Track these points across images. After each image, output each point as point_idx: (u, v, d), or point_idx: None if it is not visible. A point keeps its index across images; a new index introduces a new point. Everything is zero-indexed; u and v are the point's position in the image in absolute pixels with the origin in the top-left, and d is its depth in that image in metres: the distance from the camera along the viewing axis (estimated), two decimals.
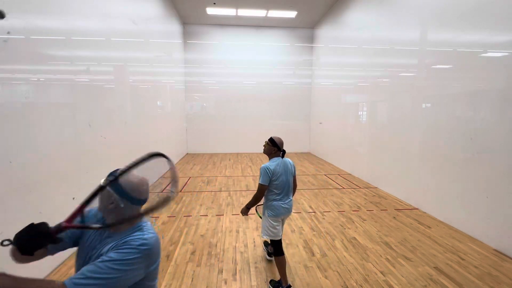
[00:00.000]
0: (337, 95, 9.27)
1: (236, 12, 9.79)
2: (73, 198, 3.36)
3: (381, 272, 3.01)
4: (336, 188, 6.36)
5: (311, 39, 11.65)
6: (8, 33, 2.49)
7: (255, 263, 3.19)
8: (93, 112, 3.98)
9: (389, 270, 3.06)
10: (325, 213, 4.77)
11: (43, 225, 1.02)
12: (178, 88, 10.31)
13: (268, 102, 11.85)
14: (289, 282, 2.75)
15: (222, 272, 3.02)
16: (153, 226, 1.25)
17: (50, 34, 3.10)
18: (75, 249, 1.25)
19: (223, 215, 4.68)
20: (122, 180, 1.14)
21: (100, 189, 1.11)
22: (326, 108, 10.39)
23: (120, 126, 4.92)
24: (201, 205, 5.19)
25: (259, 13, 9.86)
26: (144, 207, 1.20)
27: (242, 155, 11.02)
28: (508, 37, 3.42)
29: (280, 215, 2.70)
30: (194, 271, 3.02)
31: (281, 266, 2.68)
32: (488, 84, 3.70)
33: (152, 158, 1.23)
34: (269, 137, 2.82)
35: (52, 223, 1.10)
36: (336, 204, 5.23)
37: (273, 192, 2.68)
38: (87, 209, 1.13)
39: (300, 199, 5.51)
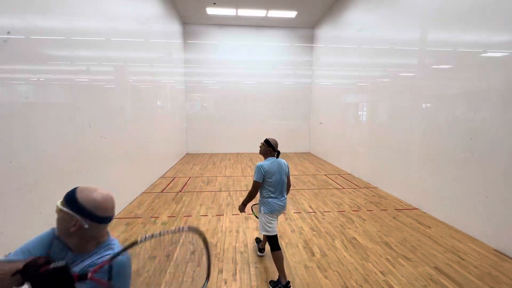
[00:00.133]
0: (337, 95, 9.27)
1: (236, 12, 9.79)
2: None
3: (381, 272, 3.01)
4: (336, 188, 6.36)
5: (311, 39, 11.65)
6: (8, 33, 2.49)
7: (255, 263, 3.19)
8: (93, 112, 3.99)
9: (389, 270, 3.06)
10: (325, 213, 4.77)
11: (68, 269, 0.89)
12: (178, 88, 10.31)
13: (268, 102, 11.85)
14: (288, 279, 2.75)
15: (222, 272, 3.02)
16: (120, 244, 1.17)
17: (50, 34, 3.11)
18: None
19: (223, 215, 4.68)
20: (82, 199, 1.04)
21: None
22: (326, 108, 10.40)
23: (120, 126, 4.92)
24: (201, 205, 5.19)
25: (259, 13, 9.86)
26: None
27: (242, 155, 11.02)
28: (508, 37, 3.42)
29: (275, 211, 2.85)
30: (194, 271, 3.02)
31: (279, 261, 2.75)
32: (488, 84, 3.70)
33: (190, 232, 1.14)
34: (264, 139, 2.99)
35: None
36: (336, 204, 5.23)
37: (268, 190, 2.84)
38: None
39: (300, 199, 5.51)
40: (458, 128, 4.14)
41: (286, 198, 2.94)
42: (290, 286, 2.67)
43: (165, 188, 6.32)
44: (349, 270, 3.05)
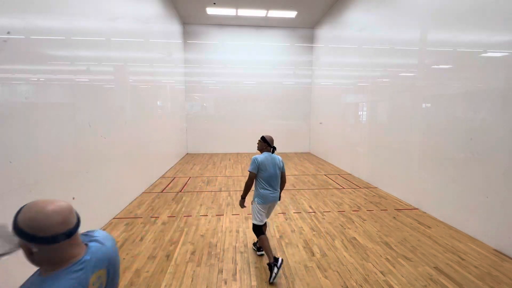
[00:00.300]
0: (337, 95, 9.27)
1: (236, 12, 9.79)
2: (73, 198, 3.37)
3: (381, 272, 3.01)
4: (336, 188, 6.36)
5: (311, 39, 11.65)
6: (8, 33, 2.49)
7: (255, 263, 3.19)
8: (93, 112, 3.99)
9: (389, 270, 3.06)
10: (325, 213, 4.77)
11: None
12: (178, 88, 10.31)
13: (268, 102, 11.85)
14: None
15: (222, 272, 3.02)
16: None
17: (50, 34, 3.11)
18: None
19: (223, 215, 4.68)
20: (21, 220, 0.88)
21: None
22: (326, 108, 10.40)
23: (120, 126, 4.92)
24: (201, 205, 5.19)
25: (259, 13, 9.86)
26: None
27: (242, 155, 11.02)
28: (508, 37, 3.43)
29: (268, 202, 3.13)
30: (194, 271, 3.03)
31: (264, 243, 3.02)
32: (488, 84, 3.70)
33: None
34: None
35: None
36: (336, 204, 5.23)
37: (262, 182, 3.10)
38: None
39: (300, 199, 5.51)
40: (458, 128, 4.15)
41: (278, 191, 3.19)
42: (278, 262, 2.81)
43: (165, 188, 6.32)
44: (349, 270, 3.05)
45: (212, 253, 3.41)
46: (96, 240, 1.09)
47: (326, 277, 2.92)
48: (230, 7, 9.43)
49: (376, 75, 6.68)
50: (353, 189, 6.27)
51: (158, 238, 3.81)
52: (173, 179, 7.17)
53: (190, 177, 7.40)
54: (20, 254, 0.92)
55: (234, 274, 2.97)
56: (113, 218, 4.47)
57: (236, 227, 4.16)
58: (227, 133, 11.79)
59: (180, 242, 3.69)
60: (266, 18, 10.40)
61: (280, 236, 3.87)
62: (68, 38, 3.42)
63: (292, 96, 11.98)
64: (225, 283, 2.83)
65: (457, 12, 4.20)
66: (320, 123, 10.90)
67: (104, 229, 4.00)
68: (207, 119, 11.78)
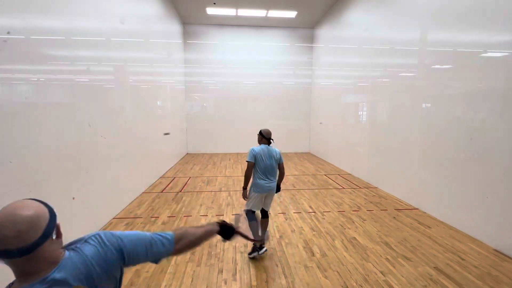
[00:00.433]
0: (337, 95, 9.27)
1: (236, 12, 9.79)
2: (73, 198, 3.37)
3: (381, 272, 3.01)
4: (336, 188, 6.36)
5: (311, 39, 11.65)
6: (8, 33, 2.49)
7: (255, 263, 3.19)
8: (93, 112, 3.98)
9: (389, 270, 3.06)
10: (325, 213, 4.77)
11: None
12: (178, 88, 10.31)
13: (268, 102, 11.85)
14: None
15: (222, 272, 3.02)
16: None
17: (50, 34, 3.11)
18: None
19: (223, 215, 4.68)
20: None
21: None
22: (326, 108, 10.39)
23: (120, 126, 4.92)
24: (201, 205, 5.19)
25: (259, 13, 9.86)
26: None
27: (242, 155, 11.02)
28: (508, 37, 3.42)
29: (263, 192, 3.32)
30: (194, 271, 3.03)
31: (252, 227, 3.11)
32: (488, 84, 3.70)
33: None
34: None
35: None
36: (336, 204, 5.23)
37: (258, 172, 3.32)
38: None
39: (300, 199, 5.51)
40: (458, 128, 4.14)
41: (274, 182, 3.39)
42: (263, 247, 3.26)
43: (165, 188, 6.32)
44: (349, 270, 3.05)
45: (212, 253, 3.41)
46: (74, 249, 0.92)
47: (326, 277, 2.92)
48: (230, 7, 9.42)
49: (376, 75, 6.68)
50: (353, 189, 6.27)
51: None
52: (173, 179, 7.17)
53: (190, 177, 7.40)
54: None
55: (234, 274, 2.97)
56: (113, 218, 4.47)
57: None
58: (227, 133, 11.79)
59: None
60: (266, 18, 10.40)
61: (280, 236, 3.87)
62: (68, 38, 3.42)
63: (292, 96, 11.98)
64: (225, 283, 2.83)
65: (457, 12, 4.20)
66: (320, 123, 10.90)
67: (104, 229, 4.01)
68: (207, 119, 11.78)
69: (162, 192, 6.03)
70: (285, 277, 2.93)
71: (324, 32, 10.39)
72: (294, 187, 6.45)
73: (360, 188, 6.38)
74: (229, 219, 4.48)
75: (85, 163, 3.73)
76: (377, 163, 6.58)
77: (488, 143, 3.67)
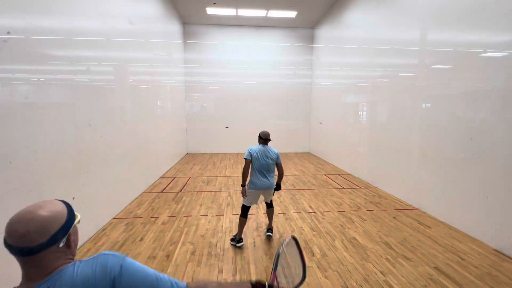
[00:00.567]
0: (337, 95, 9.27)
1: (236, 12, 9.79)
2: (73, 198, 3.37)
3: (381, 272, 3.01)
4: (336, 188, 6.36)
5: (311, 39, 11.65)
6: (8, 33, 2.49)
7: (255, 263, 3.19)
8: (93, 112, 3.98)
9: (389, 270, 3.06)
10: (325, 213, 4.77)
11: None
12: (178, 88, 10.31)
13: (268, 102, 11.85)
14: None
15: (222, 272, 3.02)
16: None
17: (50, 34, 3.10)
18: None
19: (223, 215, 4.68)
20: None
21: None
22: (326, 108, 10.39)
23: (120, 126, 4.92)
24: (201, 205, 5.19)
25: (259, 13, 9.86)
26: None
27: (242, 155, 11.02)
28: (508, 37, 3.42)
29: (258, 189, 3.54)
30: (194, 271, 3.03)
31: (242, 224, 3.55)
32: (488, 84, 3.70)
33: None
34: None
35: None
36: (336, 204, 5.23)
37: (254, 170, 3.54)
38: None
39: (300, 199, 5.51)
40: (458, 128, 4.14)
41: (269, 180, 3.56)
42: (241, 241, 3.53)
43: (165, 188, 6.32)
44: (349, 270, 3.05)
45: (212, 253, 3.41)
46: (75, 264, 0.85)
47: (326, 277, 2.92)
48: (230, 7, 9.43)
49: (376, 75, 6.68)
50: (353, 189, 6.27)
51: (158, 238, 3.80)
52: (173, 179, 7.17)
53: (190, 177, 7.40)
54: None
55: (234, 274, 2.97)
56: (113, 218, 4.47)
57: (236, 227, 4.16)
58: (227, 133, 11.79)
59: (180, 242, 3.69)
60: (266, 18, 10.40)
61: (280, 236, 3.87)
62: (68, 38, 3.42)
63: (292, 96, 11.98)
64: None
65: (457, 12, 4.20)
66: (320, 123, 10.90)
67: (104, 229, 4.02)
68: (207, 119, 11.78)
69: (162, 192, 6.03)
70: (285, 277, 2.92)
71: (324, 32, 10.39)
72: (294, 187, 6.45)
73: (360, 188, 6.38)
74: (229, 219, 4.49)
75: (85, 163, 3.73)
76: (377, 163, 6.58)
77: (488, 143, 3.67)
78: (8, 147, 2.46)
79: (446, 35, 4.45)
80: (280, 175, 3.67)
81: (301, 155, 11.48)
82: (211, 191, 6.09)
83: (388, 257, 3.33)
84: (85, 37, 3.80)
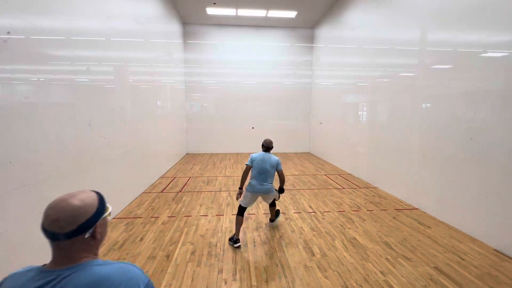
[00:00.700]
0: (337, 95, 9.27)
1: (236, 12, 9.78)
2: None
3: (381, 272, 3.01)
4: (336, 188, 6.36)
5: (311, 39, 11.65)
6: (8, 33, 2.49)
7: (255, 263, 3.19)
8: (93, 112, 3.98)
9: (389, 270, 3.06)
10: (325, 213, 4.77)
11: None
12: (178, 88, 10.31)
13: (268, 102, 11.85)
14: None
15: (222, 272, 3.02)
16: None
17: (50, 34, 3.10)
18: None
19: (223, 215, 4.68)
20: None
21: None
22: (326, 108, 10.39)
23: (120, 126, 4.92)
24: (201, 205, 5.19)
25: (259, 13, 9.86)
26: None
27: (242, 155, 11.02)
28: (508, 37, 3.43)
29: (255, 192, 3.69)
30: (194, 271, 3.03)
31: (238, 224, 3.63)
32: (488, 84, 3.70)
33: None
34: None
35: None
36: (336, 204, 5.23)
37: (253, 174, 3.74)
38: None
39: (300, 199, 5.51)
40: (458, 128, 4.15)
41: (266, 185, 3.70)
42: (238, 242, 3.52)
43: (165, 188, 6.32)
44: (349, 270, 3.05)
45: (212, 253, 3.41)
46: (100, 264, 0.87)
47: (326, 277, 2.92)
48: (230, 7, 9.42)
49: (376, 75, 6.68)
50: (353, 189, 6.27)
51: (158, 238, 3.81)
52: (173, 179, 7.17)
53: (190, 177, 7.40)
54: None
55: (234, 274, 2.97)
56: (113, 218, 4.47)
57: None
58: (227, 133, 11.79)
59: (180, 242, 3.69)
60: (266, 18, 10.40)
61: (280, 236, 3.88)
62: (68, 38, 3.42)
63: (292, 96, 11.98)
64: (225, 283, 2.83)
65: (457, 12, 4.20)
66: (320, 123, 10.90)
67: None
68: (207, 119, 11.78)
69: (162, 192, 6.03)
70: (285, 277, 2.93)
71: (324, 32, 10.39)
72: (294, 187, 6.45)
73: (360, 188, 6.38)
74: (229, 219, 4.49)
75: (85, 163, 3.73)
76: (377, 163, 6.58)
77: (488, 143, 3.67)
78: (8, 147, 2.46)
79: (446, 35, 4.45)
80: (282, 181, 3.86)
81: (301, 155, 11.48)
82: (211, 191, 6.09)
83: (388, 257, 3.33)
84: (85, 37, 3.80)
